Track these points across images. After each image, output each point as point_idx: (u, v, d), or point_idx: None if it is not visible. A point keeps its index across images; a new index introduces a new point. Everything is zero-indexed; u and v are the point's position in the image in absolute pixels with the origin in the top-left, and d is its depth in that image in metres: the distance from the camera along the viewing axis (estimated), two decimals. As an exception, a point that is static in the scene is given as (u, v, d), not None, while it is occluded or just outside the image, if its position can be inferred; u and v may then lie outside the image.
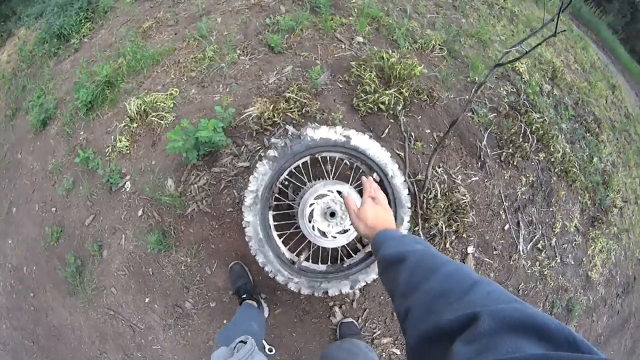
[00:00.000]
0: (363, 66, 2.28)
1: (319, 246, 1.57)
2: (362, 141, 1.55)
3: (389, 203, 1.53)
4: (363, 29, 2.58)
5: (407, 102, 2.21)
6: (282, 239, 1.65)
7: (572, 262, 2.47)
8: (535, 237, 2.31)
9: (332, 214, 1.48)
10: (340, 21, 2.61)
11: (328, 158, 1.68)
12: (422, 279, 0.54)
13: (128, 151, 2.21)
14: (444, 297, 0.47)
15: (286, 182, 1.77)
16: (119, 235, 2.10)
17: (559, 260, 2.38)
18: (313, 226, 1.49)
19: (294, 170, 1.63)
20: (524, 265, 2.22)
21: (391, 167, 1.58)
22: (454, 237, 1.99)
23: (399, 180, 1.59)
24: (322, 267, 1.66)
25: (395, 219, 1.57)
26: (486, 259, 2.08)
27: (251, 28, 2.54)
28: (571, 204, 2.57)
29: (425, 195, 1.98)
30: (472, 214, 2.03)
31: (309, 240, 1.53)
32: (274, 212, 1.64)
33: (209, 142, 1.88)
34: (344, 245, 1.58)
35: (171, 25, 2.79)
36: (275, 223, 1.63)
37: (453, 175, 2.09)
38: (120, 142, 2.21)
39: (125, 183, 2.16)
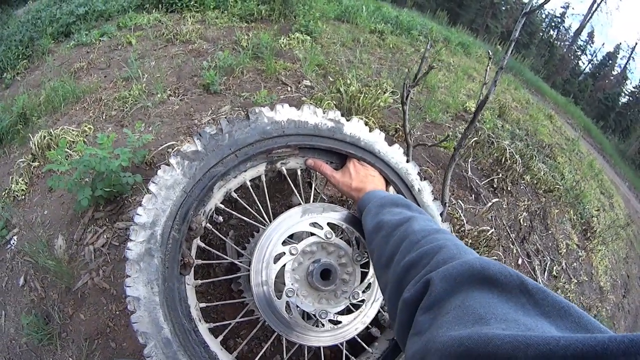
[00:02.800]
0: (318, 102, 2.00)
1: (300, 346, 0.87)
2: (363, 131, 0.93)
3: None
4: (309, 72, 2.41)
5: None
6: (220, 337, 0.86)
7: (586, 279, 2.35)
8: (548, 265, 2.06)
9: (326, 274, 0.82)
10: (284, 65, 2.46)
11: (298, 170, 0.95)
12: (392, 253, 0.58)
13: (23, 196, 1.76)
14: (408, 272, 0.50)
15: (221, 219, 1.04)
16: (-1, 311, 1.41)
17: (575, 282, 2.19)
18: (288, 304, 0.80)
19: (235, 197, 0.90)
20: (549, 300, 1.89)
21: (415, 175, 0.98)
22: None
23: (428, 197, 1.00)
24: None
25: None
26: (515, 307, 1.67)
27: (186, 70, 2.27)
28: (564, 222, 2.44)
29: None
30: (499, 251, 1.66)
31: (278, 337, 0.84)
32: (200, 281, 0.89)
33: (109, 177, 1.36)
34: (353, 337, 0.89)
35: (102, 68, 2.62)
36: (205, 305, 0.86)
37: (451, 210, 1.74)
38: (17, 184, 1.80)
39: (12, 237, 1.61)
